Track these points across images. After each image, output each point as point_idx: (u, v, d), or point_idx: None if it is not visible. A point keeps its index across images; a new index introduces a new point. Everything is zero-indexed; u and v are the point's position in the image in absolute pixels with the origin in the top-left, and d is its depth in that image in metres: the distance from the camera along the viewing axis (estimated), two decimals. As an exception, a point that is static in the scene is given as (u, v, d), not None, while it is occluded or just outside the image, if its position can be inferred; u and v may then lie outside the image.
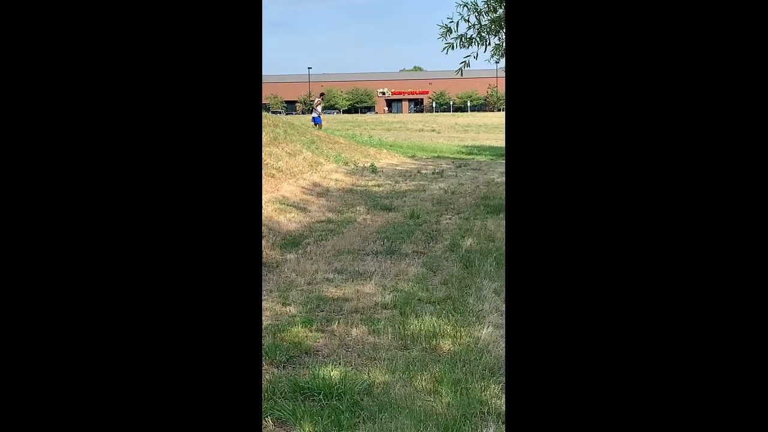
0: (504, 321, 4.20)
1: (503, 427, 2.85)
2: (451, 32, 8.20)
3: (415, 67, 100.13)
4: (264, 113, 16.15)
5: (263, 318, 4.21)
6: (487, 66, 12.66)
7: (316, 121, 21.68)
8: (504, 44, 10.60)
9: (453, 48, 8.20)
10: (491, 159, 17.99)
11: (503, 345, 3.83)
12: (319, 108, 22.93)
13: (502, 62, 11.21)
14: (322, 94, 26.10)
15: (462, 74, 8.39)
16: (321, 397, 3.06)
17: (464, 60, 8.15)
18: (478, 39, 8.09)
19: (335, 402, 3.01)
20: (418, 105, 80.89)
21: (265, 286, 5.08)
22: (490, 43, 8.21)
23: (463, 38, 8.14)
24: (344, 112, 72.89)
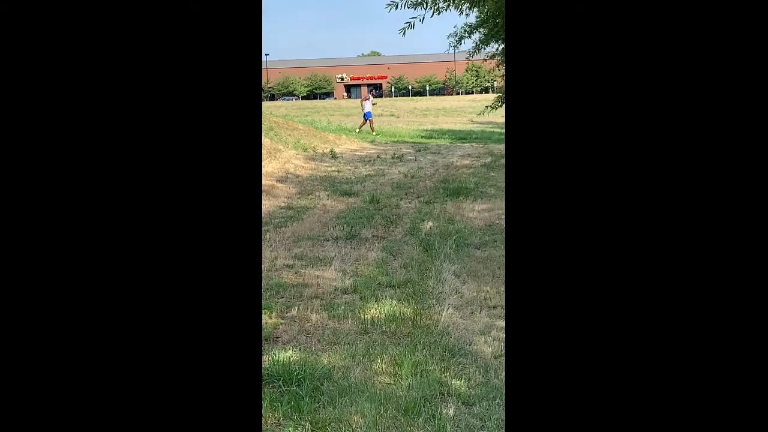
0: (459, 302, 4.23)
1: (463, 407, 2.87)
2: None
3: (372, 51, 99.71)
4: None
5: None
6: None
7: (367, 116, 20.97)
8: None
9: (397, 8, 8.02)
10: (450, 142, 18.05)
11: (463, 326, 3.86)
12: (367, 103, 21.74)
13: (470, 48, 11.15)
14: (370, 91, 25.59)
15: (405, 34, 8.26)
16: (281, 383, 3.05)
17: (409, 21, 8.03)
18: (426, 1, 7.91)
19: (295, 388, 3.01)
20: (377, 90, 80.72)
21: (223, 274, 5.04)
22: (438, 10, 8.05)
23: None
24: (303, 98, 72.34)
